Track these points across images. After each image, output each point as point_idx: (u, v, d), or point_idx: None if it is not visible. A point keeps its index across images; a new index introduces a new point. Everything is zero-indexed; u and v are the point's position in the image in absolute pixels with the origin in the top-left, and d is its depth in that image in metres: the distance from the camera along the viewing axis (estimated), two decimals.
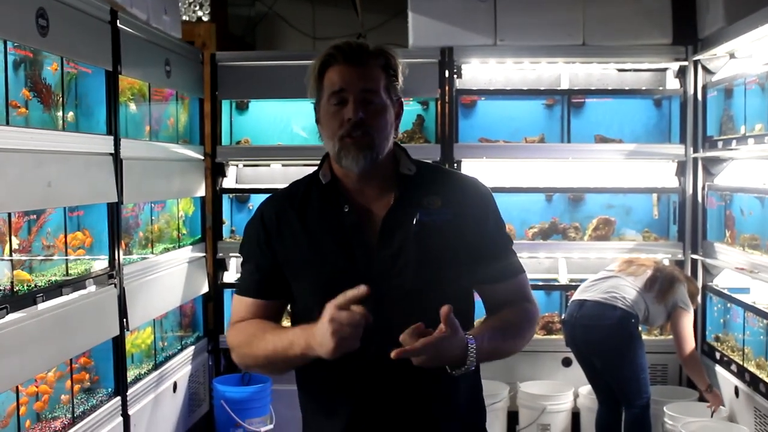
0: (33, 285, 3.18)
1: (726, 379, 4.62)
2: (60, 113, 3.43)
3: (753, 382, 4.24)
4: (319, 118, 2.05)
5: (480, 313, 2.11)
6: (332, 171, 2.06)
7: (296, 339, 1.87)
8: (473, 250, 2.03)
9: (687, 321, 4.36)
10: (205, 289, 5.28)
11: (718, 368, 4.74)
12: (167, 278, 4.59)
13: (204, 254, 5.30)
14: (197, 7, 6.39)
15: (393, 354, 1.73)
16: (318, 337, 1.79)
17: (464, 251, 2.01)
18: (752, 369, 4.29)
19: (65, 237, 3.52)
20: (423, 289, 1.95)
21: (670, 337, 4.50)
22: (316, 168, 2.12)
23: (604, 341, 4.33)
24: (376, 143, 1.95)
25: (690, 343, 4.36)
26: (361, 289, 1.75)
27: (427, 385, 1.96)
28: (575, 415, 5.08)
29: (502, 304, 2.05)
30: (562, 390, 5.04)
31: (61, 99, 3.43)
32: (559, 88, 5.43)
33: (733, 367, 4.53)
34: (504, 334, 1.97)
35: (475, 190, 2.10)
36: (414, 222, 1.97)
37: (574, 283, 5.28)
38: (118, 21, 3.84)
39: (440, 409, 2.01)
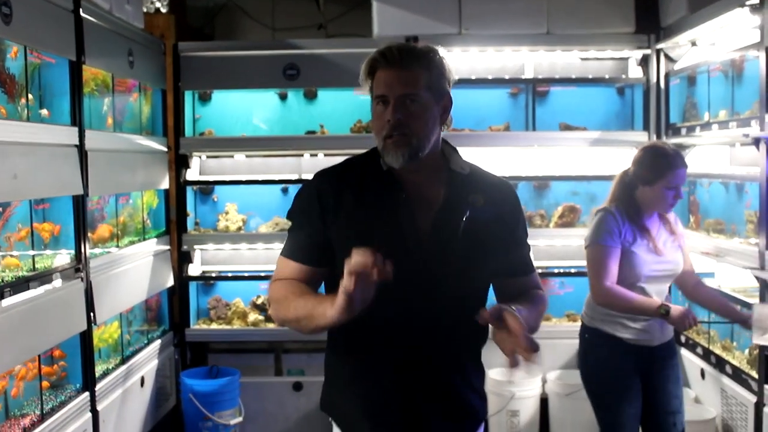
0: (0, 279, 3.12)
1: (692, 362, 4.69)
2: (24, 103, 3.35)
3: (719, 364, 4.31)
4: None
5: None
6: None
7: (326, 310, 1.95)
8: (507, 246, 2.28)
9: (594, 257, 3.57)
10: (171, 282, 5.22)
11: (684, 351, 4.80)
12: (133, 271, 4.52)
13: (169, 247, 5.24)
14: None
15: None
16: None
17: (501, 247, 2.25)
18: (718, 351, 4.36)
19: (32, 231, 3.44)
20: (462, 277, 2.18)
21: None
22: (365, 152, 2.29)
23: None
24: (413, 143, 2.12)
25: (603, 279, 3.50)
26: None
27: (451, 360, 2.29)
28: (544, 401, 5.12)
29: (519, 294, 2.26)
30: (530, 376, 5.07)
31: (25, 89, 3.35)
32: (523, 77, 5.46)
33: (699, 350, 4.60)
34: (536, 312, 2.20)
35: (511, 192, 2.35)
36: (464, 219, 2.17)
37: (539, 270, 5.31)
38: (81, 10, 3.76)
39: (458, 378, 2.33)
